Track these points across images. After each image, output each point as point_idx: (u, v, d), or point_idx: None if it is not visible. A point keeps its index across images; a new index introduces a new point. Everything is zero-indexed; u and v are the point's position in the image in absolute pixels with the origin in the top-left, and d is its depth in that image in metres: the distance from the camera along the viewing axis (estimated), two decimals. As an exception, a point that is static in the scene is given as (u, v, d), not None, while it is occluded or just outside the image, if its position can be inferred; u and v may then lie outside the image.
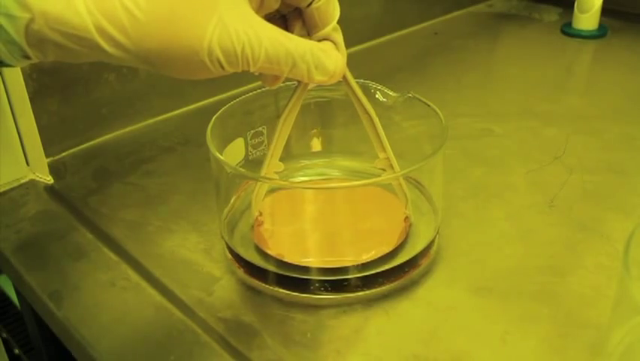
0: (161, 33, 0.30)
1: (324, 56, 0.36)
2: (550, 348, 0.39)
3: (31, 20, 0.28)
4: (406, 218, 0.47)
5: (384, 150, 0.45)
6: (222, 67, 0.32)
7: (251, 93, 0.49)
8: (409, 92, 0.48)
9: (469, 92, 0.75)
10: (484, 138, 0.64)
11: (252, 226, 0.47)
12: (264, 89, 0.47)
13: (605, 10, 0.89)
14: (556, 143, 0.62)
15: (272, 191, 0.48)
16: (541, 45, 0.89)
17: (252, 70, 0.33)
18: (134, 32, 0.30)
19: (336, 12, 0.38)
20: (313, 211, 0.46)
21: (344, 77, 0.41)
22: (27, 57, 0.30)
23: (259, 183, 0.46)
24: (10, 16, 0.28)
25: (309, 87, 0.42)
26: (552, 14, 0.99)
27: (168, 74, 0.32)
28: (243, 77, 0.35)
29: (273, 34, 0.33)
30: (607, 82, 0.77)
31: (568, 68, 0.83)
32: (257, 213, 0.47)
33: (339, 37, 0.38)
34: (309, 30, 0.38)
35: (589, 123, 0.66)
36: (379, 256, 0.44)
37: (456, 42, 0.90)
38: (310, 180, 0.53)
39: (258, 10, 0.34)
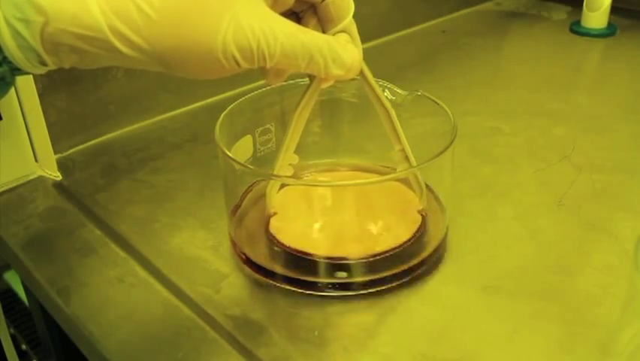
0: (175, 31, 0.30)
1: (341, 49, 0.36)
2: (558, 347, 0.39)
3: (46, 23, 0.29)
4: (421, 210, 0.47)
5: (399, 142, 0.45)
6: (238, 63, 0.32)
7: (259, 90, 0.49)
8: (417, 90, 0.48)
9: (478, 90, 0.75)
10: (492, 137, 0.63)
11: (266, 220, 0.47)
12: (270, 86, 0.47)
13: (614, 9, 0.89)
14: (564, 142, 0.62)
15: (284, 185, 0.48)
16: (549, 43, 0.89)
17: (268, 66, 0.33)
18: (148, 31, 0.30)
19: (351, 6, 0.38)
20: (325, 207, 0.46)
21: (360, 71, 0.41)
22: (44, 64, 0.30)
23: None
24: (25, 21, 0.28)
25: (325, 86, 0.41)
26: (561, 12, 0.99)
27: (183, 74, 0.32)
28: (251, 74, 0.34)
29: (289, 28, 0.33)
30: (616, 81, 0.77)
31: (577, 67, 0.83)
32: (271, 207, 0.47)
33: (354, 31, 0.38)
34: (324, 26, 0.38)
35: (598, 122, 0.66)
36: (390, 251, 0.44)
37: (464, 40, 0.90)
38: (321, 175, 0.53)
39: (272, 7, 0.34)
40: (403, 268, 0.43)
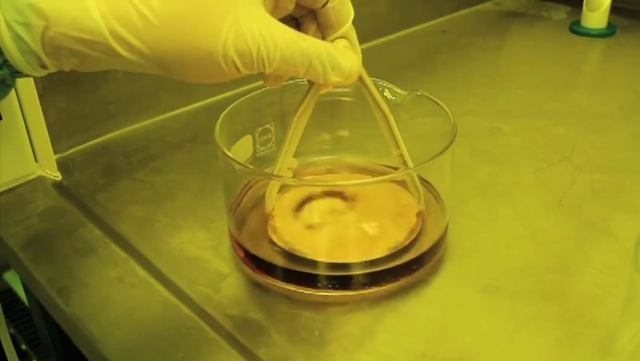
0: (175, 36, 0.30)
1: (340, 55, 0.36)
2: (558, 347, 0.39)
3: (47, 27, 0.29)
4: (419, 213, 0.47)
5: (398, 147, 0.45)
6: (237, 69, 0.32)
7: (259, 90, 0.49)
8: (417, 90, 0.48)
9: (477, 90, 0.75)
10: (492, 137, 0.63)
11: (267, 221, 0.47)
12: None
13: (614, 9, 0.89)
14: (564, 141, 0.62)
15: (284, 187, 0.48)
16: (549, 43, 0.89)
17: (267, 71, 0.33)
18: (148, 35, 0.30)
19: (350, 11, 0.38)
20: (323, 209, 0.46)
21: (359, 77, 0.41)
22: (44, 67, 0.30)
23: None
24: (26, 25, 0.29)
25: (324, 91, 0.41)
26: (561, 12, 0.99)
27: (183, 78, 0.32)
28: (251, 75, 0.34)
29: (288, 34, 0.33)
30: (616, 81, 0.77)
31: (576, 67, 0.83)
32: (270, 209, 0.47)
33: (353, 37, 0.38)
34: (323, 32, 0.38)
35: (598, 122, 0.66)
36: (388, 254, 0.44)
37: (464, 40, 0.90)
38: (321, 177, 0.53)
39: (271, 13, 0.34)
40: (402, 268, 0.43)
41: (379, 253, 0.44)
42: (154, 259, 0.47)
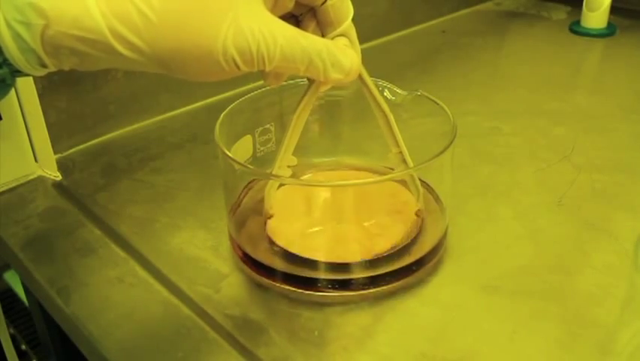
0: (175, 34, 0.30)
1: (340, 53, 0.36)
2: (558, 347, 0.39)
3: (47, 26, 0.29)
4: (419, 212, 0.47)
5: (397, 145, 0.45)
6: (237, 66, 0.32)
7: (259, 90, 0.49)
8: (417, 90, 0.48)
9: (477, 90, 0.75)
10: (492, 137, 0.63)
11: (265, 221, 0.47)
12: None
13: (614, 9, 0.89)
14: (564, 141, 0.62)
15: (282, 186, 0.48)
16: (549, 43, 0.89)
17: (267, 69, 0.33)
18: (148, 34, 0.30)
19: (350, 9, 0.38)
20: (323, 207, 0.46)
21: (359, 76, 0.41)
22: (44, 66, 0.30)
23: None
24: (26, 24, 0.29)
25: (323, 89, 0.41)
26: (560, 12, 0.99)
27: (183, 76, 0.32)
28: (251, 74, 0.34)
29: (288, 32, 0.33)
30: (616, 81, 0.77)
31: (576, 67, 0.83)
32: (269, 208, 0.47)
33: (353, 35, 0.38)
34: (323, 29, 0.38)
35: (597, 122, 0.66)
36: (388, 253, 0.44)
37: (464, 40, 0.90)
38: (320, 175, 0.53)
39: (271, 11, 0.34)
40: (402, 269, 0.43)
41: (379, 252, 0.44)
42: (154, 259, 0.47)
